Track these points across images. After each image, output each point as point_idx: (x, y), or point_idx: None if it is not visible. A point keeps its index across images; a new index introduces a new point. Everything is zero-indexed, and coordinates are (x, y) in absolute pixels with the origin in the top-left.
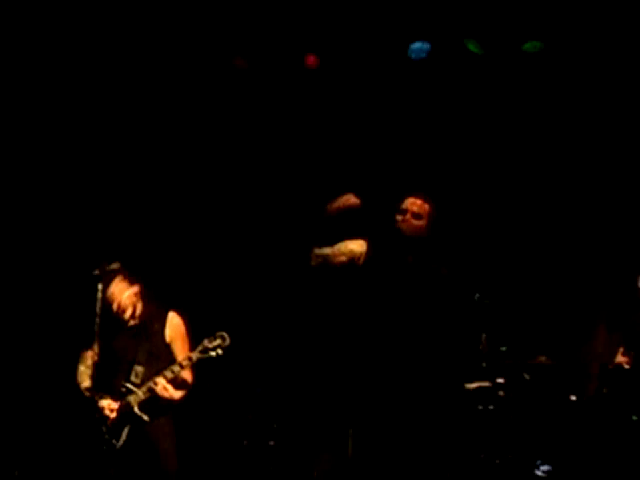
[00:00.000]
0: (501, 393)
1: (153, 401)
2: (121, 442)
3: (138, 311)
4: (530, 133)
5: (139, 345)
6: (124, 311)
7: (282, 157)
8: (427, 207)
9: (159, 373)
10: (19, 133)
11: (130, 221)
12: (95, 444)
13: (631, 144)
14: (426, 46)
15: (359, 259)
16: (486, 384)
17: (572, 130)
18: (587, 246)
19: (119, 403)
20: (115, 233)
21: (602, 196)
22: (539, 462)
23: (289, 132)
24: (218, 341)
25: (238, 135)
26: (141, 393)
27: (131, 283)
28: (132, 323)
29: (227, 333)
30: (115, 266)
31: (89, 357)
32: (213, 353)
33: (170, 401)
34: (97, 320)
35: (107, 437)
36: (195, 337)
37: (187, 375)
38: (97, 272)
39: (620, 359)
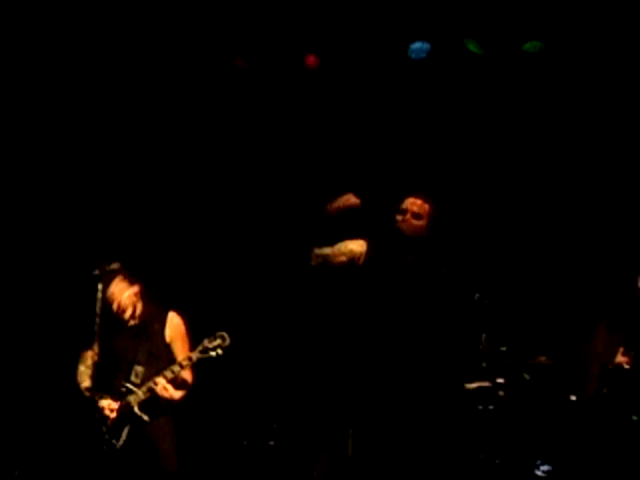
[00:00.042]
0: (501, 393)
1: (153, 401)
2: (121, 442)
3: (138, 311)
4: (530, 132)
5: (139, 345)
6: (124, 311)
7: (282, 157)
8: (427, 207)
9: (159, 373)
10: (19, 133)
11: (130, 221)
12: (95, 444)
13: (631, 144)
14: (426, 46)
15: (359, 258)
16: (486, 384)
17: (572, 129)
18: (586, 246)
19: (118, 403)
20: (115, 233)
21: (602, 195)
22: (538, 462)
23: (289, 132)
24: (218, 341)
25: (238, 135)
26: (140, 393)
27: (131, 282)
28: (132, 323)
29: (226, 333)
30: (115, 266)
31: (89, 357)
32: (213, 353)
33: (170, 401)
34: (97, 320)
35: (107, 436)
36: (195, 337)
37: (186, 374)
38: (96, 272)
39: (620, 358)
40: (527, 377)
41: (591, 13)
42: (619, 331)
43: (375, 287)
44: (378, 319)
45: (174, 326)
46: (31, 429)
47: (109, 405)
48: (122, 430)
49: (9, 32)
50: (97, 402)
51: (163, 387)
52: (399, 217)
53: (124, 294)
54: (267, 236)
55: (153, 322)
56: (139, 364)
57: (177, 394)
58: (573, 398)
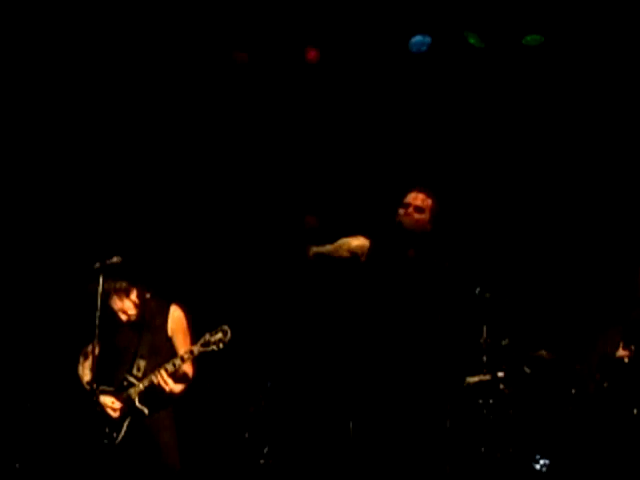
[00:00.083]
0: (502, 386)
1: (154, 394)
2: (121, 435)
3: (139, 309)
4: (531, 126)
5: (141, 339)
6: (124, 311)
7: (283, 151)
8: (429, 201)
9: (160, 366)
10: (19, 133)
11: (130, 217)
12: (95, 437)
13: (632, 139)
14: (427, 39)
15: (362, 254)
16: (487, 377)
17: (573, 124)
18: (588, 241)
19: (121, 399)
20: (115, 230)
21: (603, 190)
22: (538, 456)
23: (290, 126)
24: (219, 335)
25: (238, 130)
26: (141, 386)
27: (131, 282)
28: (133, 319)
29: (228, 326)
30: (115, 259)
31: (91, 351)
32: (214, 347)
33: (170, 394)
34: (98, 314)
35: (107, 430)
36: (196, 331)
37: (187, 368)
38: (97, 265)
39: (620, 352)
40: (527, 370)
41: (591, 6)
42: (619, 325)
43: (377, 280)
44: (380, 313)
45: (175, 319)
46: (32, 424)
47: (112, 404)
48: (122, 423)
49: (9, 32)
50: (98, 396)
51: (164, 380)
52: (402, 211)
53: (124, 294)
54: (269, 230)
55: (154, 316)
56: (142, 357)
57: (178, 387)
58: (574, 391)
